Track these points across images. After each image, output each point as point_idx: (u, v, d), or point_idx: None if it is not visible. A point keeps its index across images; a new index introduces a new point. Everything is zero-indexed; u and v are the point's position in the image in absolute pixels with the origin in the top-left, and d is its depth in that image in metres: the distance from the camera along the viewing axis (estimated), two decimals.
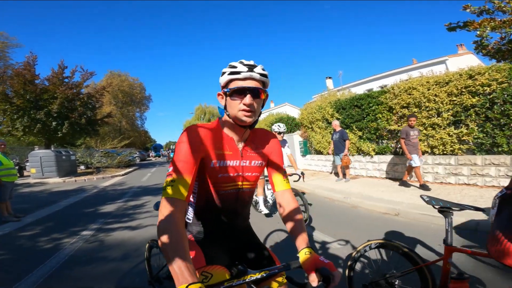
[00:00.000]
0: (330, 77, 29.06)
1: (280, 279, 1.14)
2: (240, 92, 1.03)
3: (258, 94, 1.05)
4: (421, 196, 1.79)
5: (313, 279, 0.89)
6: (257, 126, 1.21)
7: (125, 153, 20.71)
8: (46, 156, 13.41)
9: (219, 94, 1.13)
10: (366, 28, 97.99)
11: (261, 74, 1.05)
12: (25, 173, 15.90)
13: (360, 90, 18.48)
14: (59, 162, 13.78)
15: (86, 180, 12.98)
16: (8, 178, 5.47)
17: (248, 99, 1.02)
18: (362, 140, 7.91)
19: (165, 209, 0.91)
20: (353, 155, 8.34)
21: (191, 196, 1.22)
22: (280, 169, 1.28)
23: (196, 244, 1.19)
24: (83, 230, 4.48)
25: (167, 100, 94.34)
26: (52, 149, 15.76)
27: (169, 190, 0.94)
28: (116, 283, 2.61)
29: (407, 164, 5.80)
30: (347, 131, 8.36)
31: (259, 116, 1.12)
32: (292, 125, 13.30)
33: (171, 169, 1.00)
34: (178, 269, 0.75)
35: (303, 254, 0.99)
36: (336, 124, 7.46)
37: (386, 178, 7.27)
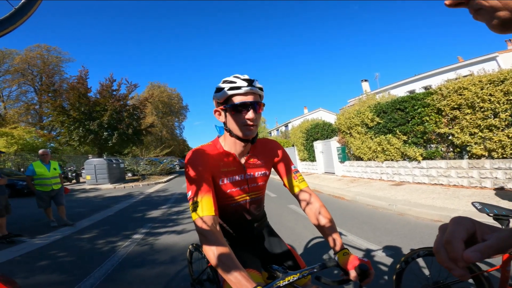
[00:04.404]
0: (366, 80, 27.84)
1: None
2: (242, 107, 1.05)
3: (258, 108, 1.08)
4: (472, 204, 1.67)
5: (354, 275, 0.98)
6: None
7: (166, 161, 21.88)
8: (100, 164, 14.72)
9: (216, 111, 1.14)
10: (402, 29, 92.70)
11: (259, 88, 1.08)
12: (81, 180, 17.60)
13: (400, 91, 17.45)
14: (111, 169, 15.04)
15: (133, 187, 13.96)
16: (42, 188, 5.46)
17: (251, 113, 1.05)
18: (407, 145, 7.43)
19: (202, 229, 0.95)
20: (397, 160, 7.86)
21: None
22: (289, 171, 1.29)
23: None
24: (134, 234, 4.81)
25: (202, 110, 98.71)
26: (104, 157, 17.25)
27: (198, 211, 0.97)
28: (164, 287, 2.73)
29: None
30: (390, 135, 7.91)
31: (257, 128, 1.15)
32: (328, 131, 12.97)
33: (190, 193, 1.03)
34: (235, 279, 0.82)
35: (342, 255, 1.04)
36: None
37: (437, 184, 6.71)
